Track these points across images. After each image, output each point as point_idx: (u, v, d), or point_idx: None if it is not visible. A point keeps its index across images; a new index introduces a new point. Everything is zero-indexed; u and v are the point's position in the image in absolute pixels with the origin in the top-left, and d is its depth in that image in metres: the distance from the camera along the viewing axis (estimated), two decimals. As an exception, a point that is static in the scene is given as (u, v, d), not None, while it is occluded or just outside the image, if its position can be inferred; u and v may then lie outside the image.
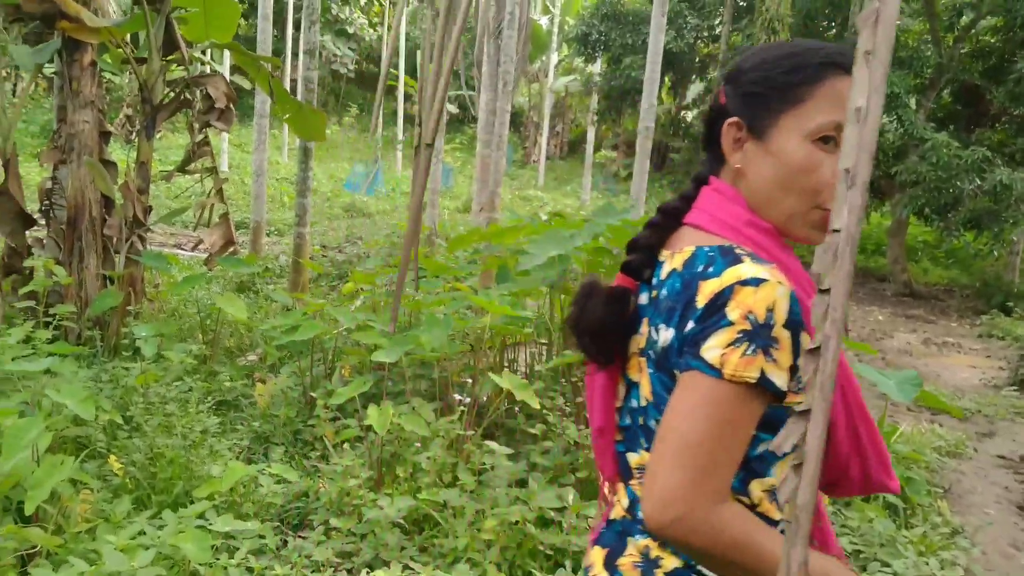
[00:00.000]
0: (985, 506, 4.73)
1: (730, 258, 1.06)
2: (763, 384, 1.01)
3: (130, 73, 6.90)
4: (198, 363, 5.52)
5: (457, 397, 3.78)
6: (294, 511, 3.79)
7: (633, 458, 1.21)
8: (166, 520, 3.11)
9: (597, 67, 21.54)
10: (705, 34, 19.23)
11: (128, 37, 6.29)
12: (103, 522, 3.07)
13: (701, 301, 1.04)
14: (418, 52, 31.50)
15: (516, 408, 4.54)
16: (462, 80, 20.89)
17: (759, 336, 1.01)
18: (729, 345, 1.01)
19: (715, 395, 1.01)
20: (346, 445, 4.10)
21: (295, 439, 4.60)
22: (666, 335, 1.09)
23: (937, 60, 14.00)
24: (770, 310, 1.01)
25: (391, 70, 31.01)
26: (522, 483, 3.83)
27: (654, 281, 1.17)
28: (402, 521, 3.45)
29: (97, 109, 6.12)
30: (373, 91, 36.16)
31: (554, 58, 31.18)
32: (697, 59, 19.81)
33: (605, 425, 1.25)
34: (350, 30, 35.51)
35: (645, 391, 1.16)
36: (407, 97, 30.94)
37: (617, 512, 1.24)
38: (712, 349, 1.02)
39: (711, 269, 1.06)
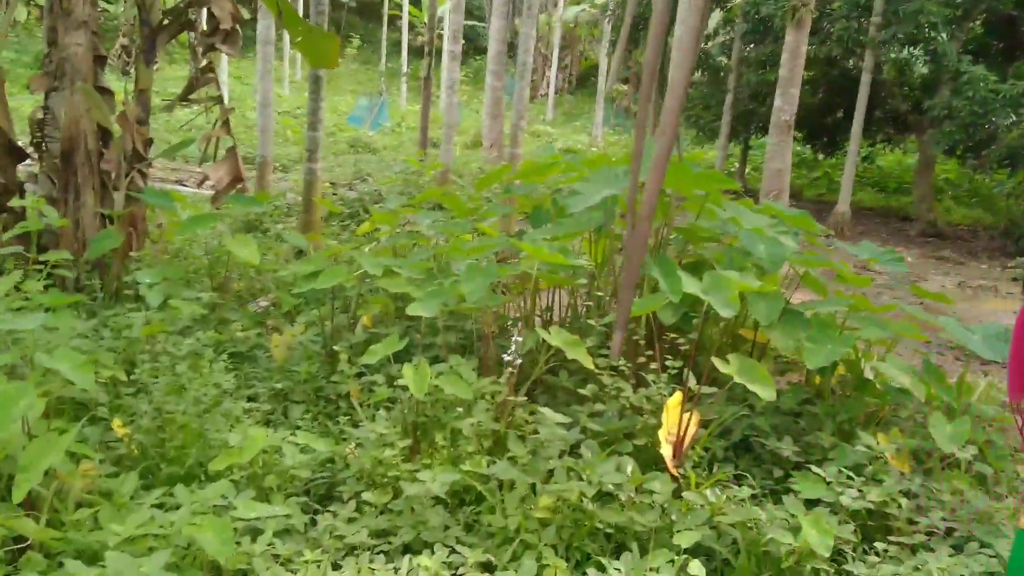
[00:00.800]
0: (1065, 470, 4.36)
1: None
2: None
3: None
4: (207, 312, 5.12)
5: (506, 356, 3.37)
6: (320, 481, 3.41)
7: None
8: (179, 499, 2.73)
9: (612, -6, 20.67)
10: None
11: (121, -47, 5.73)
12: (106, 504, 2.69)
13: None
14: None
15: (558, 365, 4.14)
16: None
17: None
18: None
19: None
20: (376, 407, 3.71)
21: (317, 397, 4.21)
22: None
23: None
24: None
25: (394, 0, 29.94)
26: (572, 450, 3.45)
27: None
28: (443, 496, 3.07)
29: (91, 31, 5.58)
30: (375, 22, 35.05)
31: (563, -13, 30.10)
32: (717, -13, 18.90)
33: None
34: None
35: None
36: (411, 27, 29.90)
37: None
38: None
39: None
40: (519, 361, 3.40)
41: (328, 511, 3.11)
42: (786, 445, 3.62)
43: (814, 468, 3.37)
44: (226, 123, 5.71)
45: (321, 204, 7.16)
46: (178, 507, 2.67)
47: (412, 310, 3.59)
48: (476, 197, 6.03)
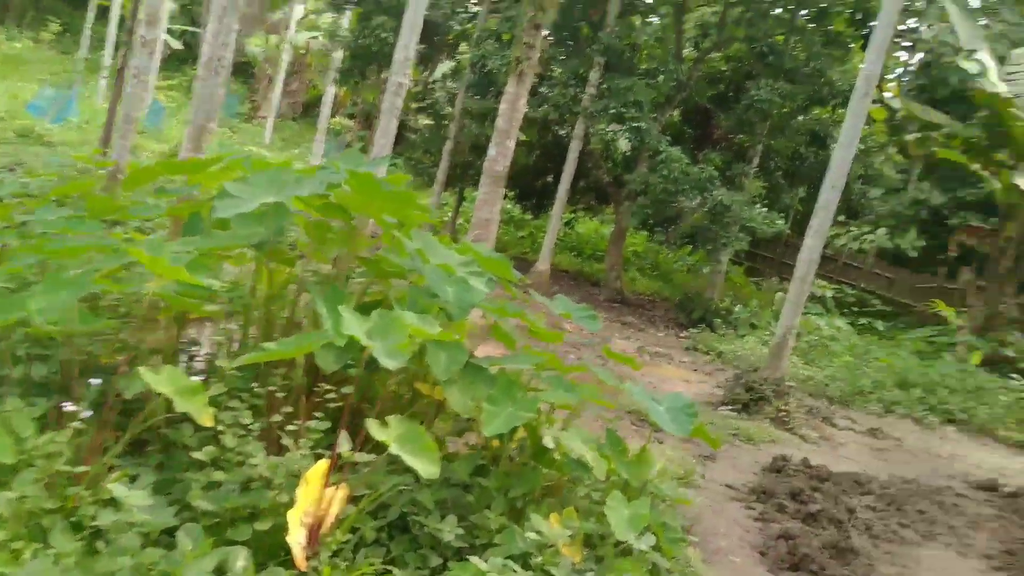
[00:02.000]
0: (730, 551, 4.23)
1: None
2: None
3: None
4: None
5: (70, 408, 2.44)
6: None
7: None
8: None
9: (345, 22, 19.95)
10: (461, 10, 18.47)
11: None
12: None
13: None
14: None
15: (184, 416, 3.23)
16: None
17: None
18: None
19: None
20: None
21: None
22: None
23: (676, 78, 14.35)
24: None
25: (103, -14, 26.87)
26: (172, 532, 2.58)
27: None
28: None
29: None
30: (81, 9, 31.28)
31: (297, 11, 28.91)
32: (450, 36, 19.00)
33: None
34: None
35: None
36: (121, 21, 26.96)
37: None
38: None
39: None
40: (88, 414, 2.47)
41: None
42: (448, 527, 3.03)
43: (474, 559, 2.80)
44: None
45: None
46: None
47: (-60, 328, 2.53)
48: (127, 198, 4.93)
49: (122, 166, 8.61)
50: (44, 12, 32.70)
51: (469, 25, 18.28)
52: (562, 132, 16.48)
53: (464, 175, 17.14)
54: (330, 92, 22.39)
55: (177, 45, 30.68)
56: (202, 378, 3.81)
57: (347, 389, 3.02)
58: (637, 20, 17.00)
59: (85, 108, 22.19)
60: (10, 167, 10.36)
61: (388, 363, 2.81)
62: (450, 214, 18.62)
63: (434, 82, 19.59)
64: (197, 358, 3.86)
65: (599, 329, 4.31)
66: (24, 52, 28.91)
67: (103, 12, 28.25)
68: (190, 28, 31.90)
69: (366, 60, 18.00)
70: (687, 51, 16.44)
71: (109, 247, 3.23)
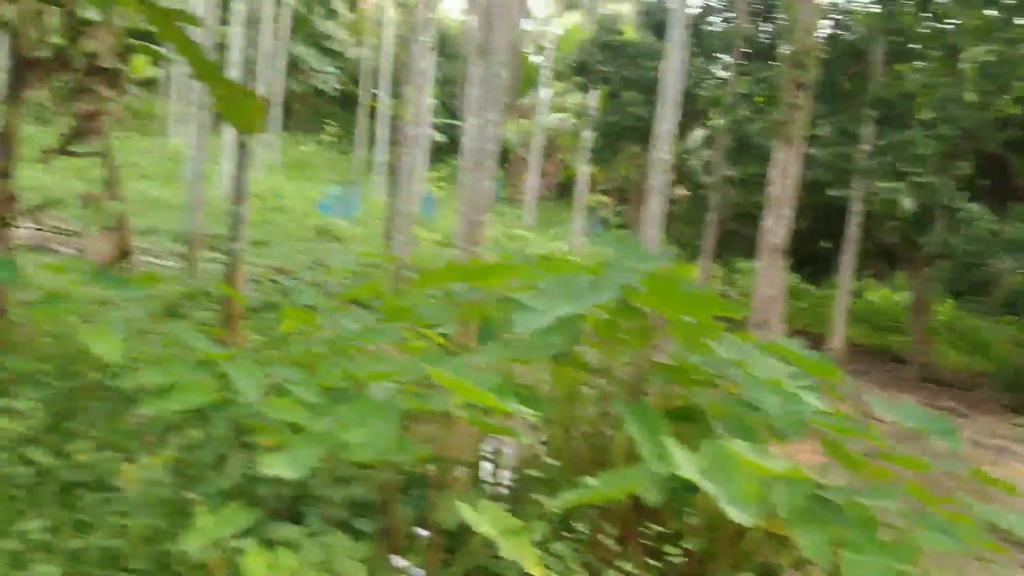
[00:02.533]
0: None
1: None
2: None
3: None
4: (52, 420, 3.95)
5: (400, 563, 2.25)
6: None
7: None
8: None
9: (592, 101, 20.28)
10: (707, 77, 18.05)
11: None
12: None
13: None
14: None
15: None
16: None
17: None
18: None
19: None
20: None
21: (160, 567, 2.99)
22: None
23: (960, 126, 12.80)
24: None
25: (373, 91, 29.62)
26: None
27: None
28: None
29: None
30: (354, 112, 34.71)
31: (544, 95, 29.97)
32: (699, 104, 18.58)
33: None
34: (333, 47, 34.37)
35: None
36: (391, 120, 29.44)
37: None
38: None
39: None
40: (420, 573, 2.26)
41: None
42: None
43: None
44: (111, 184, 4.62)
45: (227, 293, 5.94)
46: None
47: (270, 467, 2.45)
48: (420, 298, 4.97)
49: (405, 260, 9.03)
50: (323, 117, 36.59)
51: (719, 91, 17.78)
52: (833, 193, 15.31)
53: (730, 245, 16.40)
54: (584, 171, 22.73)
55: (440, 138, 32.97)
56: (510, 495, 3.59)
57: (688, 543, 2.61)
58: (904, 68, 15.52)
59: (368, 204, 24.30)
60: (310, 264, 11.32)
61: (739, 517, 2.38)
62: (720, 287, 17.90)
63: (689, 152, 19.19)
64: (504, 477, 3.65)
65: (959, 448, 3.58)
66: (309, 155, 32.42)
67: (374, 112, 31.11)
68: (450, 121, 34.16)
69: (616, 136, 18.08)
70: (967, 95, 14.69)
71: (411, 368, 3.15)
